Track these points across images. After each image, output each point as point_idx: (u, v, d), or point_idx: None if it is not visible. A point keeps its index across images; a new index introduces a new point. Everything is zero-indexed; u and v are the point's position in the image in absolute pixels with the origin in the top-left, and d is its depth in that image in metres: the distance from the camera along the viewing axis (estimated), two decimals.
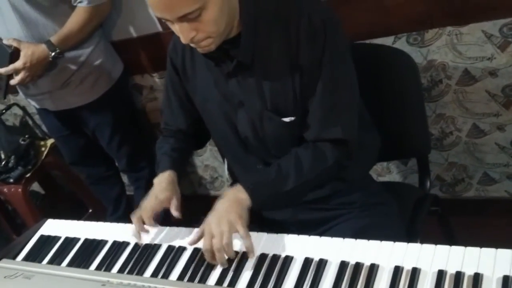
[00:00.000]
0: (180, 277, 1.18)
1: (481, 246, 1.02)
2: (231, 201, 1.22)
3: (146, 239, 1.32)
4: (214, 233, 1.16)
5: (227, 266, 1.16)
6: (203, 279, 1.16)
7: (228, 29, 1.19)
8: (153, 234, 1.33)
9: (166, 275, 1.20)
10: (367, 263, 1.07)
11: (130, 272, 1.25)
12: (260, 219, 1.39)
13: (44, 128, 2.55)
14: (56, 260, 1.37)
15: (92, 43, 2.01)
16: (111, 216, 2.53)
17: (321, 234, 1.20)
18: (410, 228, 1.41)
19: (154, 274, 1.22)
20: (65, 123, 2.20)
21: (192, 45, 1.18)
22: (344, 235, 1.16)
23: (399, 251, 1.07)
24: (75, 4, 1.89)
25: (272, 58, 1.23)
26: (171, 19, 1.11)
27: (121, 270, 1.26)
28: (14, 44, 1.83)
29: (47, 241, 1.44)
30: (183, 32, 1.13)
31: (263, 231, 1.23)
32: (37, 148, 2.51)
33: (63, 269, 1.31)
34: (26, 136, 2.47)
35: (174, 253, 1.25)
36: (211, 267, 1.18)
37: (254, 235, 1.20)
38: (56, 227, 1.49)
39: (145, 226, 1.31)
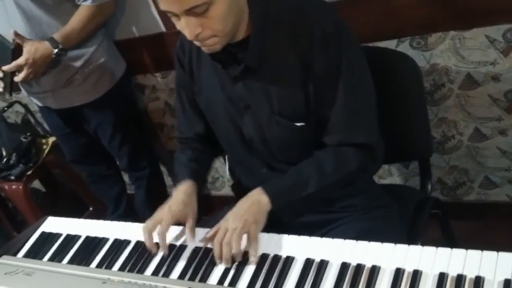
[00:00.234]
0: (181, 276, 1.18)
1: (482, 250, 1.02)
2: (252, 202, 1.23)
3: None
4: (228, 229, 1.18)
5: (230, 265, 1.16)
6: (204, 278, 1.16)
7: (234, 31, 1.18)
8: (155, 233, 1.33)
9: (167, 274, 1.20)
10: (368, 264, 1.07)
11: (131, 270, 1.25)
12: None
13: (45, 126, 2.56)
14: (57, 257, 1.37)
15: (96, 42, 2.01)
16: (111, 215, 2.53)
17: (322, 236, 1.19)
18: (411, 231, 1.41)
19: (155, 273, 1.22)
20: (66, 121, 2.20)
21: (197, 43, 1.16)
22: (345, 238, 1.16)
23: (400, 253, 1.07)
24: (79, 3, 1.90)
25: (281, 64, 1.22)
26: (177, 12, 1.09)
27: (122, 268, 1.26)
28: (17, 39, 1.83)
29: (48, 238, 1.44)
30: (189, 27, 1.11)
31: (264, 231, 1.23)
32: (39, 146, 2.52)
33: (64, 266, 1.31)
34: (28, 133, 2.48)
35: (175, 251, 1.25)
36: (212, 266, 1.18)
37: None
38: (57, 225, 1.49)
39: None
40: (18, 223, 2.89)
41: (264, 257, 1.17)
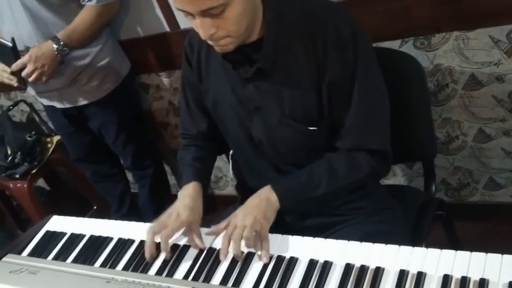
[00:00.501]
0: (185, 276, 1.19)
1: (486, 251, 1.02)
2: (262, 200, 1.23)
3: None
4: (238, 225, 1.18)
5: (239, 259, 1.17)
6: (208, 279, 1.16)
7: (249, 32, 1.18)
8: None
9: (171, 274, 1.20)
10: (372, 266, 1.07)
11: (135, 269, 1.25)
12: None
13: (50, 124, 2.57)
14: (61, 256, 1.37)
15: (100, 42, 2.02)
16: (115, 214, 2.54)
17: (326, 238, 1.19)
18: (415, 232, 1.41)
19: (159, 272, 1.22)
20: (71, 120, 2.21)
21: (210, 42, 1.16)
22: (349, 240, 1.15)
23: (405, 255, 1.07)
24: (84, 3, 1.90)
25: (294, 66, 1.21)
26: (193, 12, 1.09)
27: (126, 268, 1.26)
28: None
29: (52, 237, 1.45)
30: (203, 28, 1.10)
31: (268, 232, 1.23)
32: (43, 145, 2.52)
33: (68, 265, 1.32)
34: (33, 132, 2.48)
35: (179, 251, 1.26)
36: (216, 267, 1.18)
37: None
38: (61, 224, 1.50)
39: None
40: (23, 222, 2.90)
41: None
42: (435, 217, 1.52)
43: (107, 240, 1.37)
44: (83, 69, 1.99)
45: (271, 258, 1.16)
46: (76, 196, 2.89)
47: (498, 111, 1.77)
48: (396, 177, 2.12)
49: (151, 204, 2.44)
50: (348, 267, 1.08)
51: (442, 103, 1.83)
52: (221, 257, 1.19)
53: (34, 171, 2.46)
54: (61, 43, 1.88)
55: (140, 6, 2.06)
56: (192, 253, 1.24)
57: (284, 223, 1.33)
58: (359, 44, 1.18)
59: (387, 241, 1.12)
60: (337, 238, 1.17)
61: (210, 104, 1.39)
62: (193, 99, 1.44)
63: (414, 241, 1.36)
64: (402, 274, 1.03)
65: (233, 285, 1.13)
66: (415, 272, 1.03)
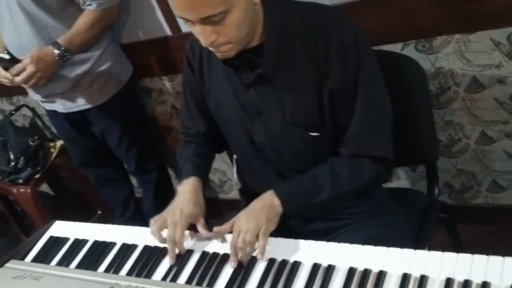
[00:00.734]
0: (189, 281, 1.19)
1: (488, 254, 1.02)
2: (265, 204, 1.24)
3: (154, 242, 1.32)
4: (241, 229, 1.18)
5: (244, 265, 1.17)
6: (212, 283, 1.16)
7: (250, 37, 1.18)
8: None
9: (174, 279, 1.21)
10: (375, 269, 1.07)
11: (139, 275, 1.25)
12: None
13: (53, 129, 2.57)
14: (65, 261, 1.37)
15: (102, 46, 2.02)
16: (119, 218, 2.54)
17: (328, 242, 1.19)
18: (418, 235, 1.41)
19: (163, 277, 1.22)
20: (74, 124, 2.21)
21: (211, 49, 1.16)
22: (352, 244, 1.16)
23: (407, 258, 1.07)
24: (83, 8, 1.91)
25: (296, 72, 1.21)
26: (193, 19, 1.09)
27: (129, 273, 1.27)
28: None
29: (56, 243, 1.45)
30: (204, 35, 1.11)
31: (271, 236, 1.23)
32: (46, 149, 2.53)
33: (72, 271, 1.32)
34: (36, 137, 2.48)
35: (182, 256, 1.26)
36: (219, 271, 1.18)
37: None
38: (65, 229, 1.50)
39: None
40: (26, 227, 2.90)
41: (271, 261, 1.17)
42: (438, 220, 1.52)
43: (111, 245, 1.37)
44: (85, 73, 2.00)
45: (274, 261, 1.16)
46: (80, 200, 2.89)
47: (500, 113, 1.77)
48: (400, 180, 2.12)
49: (155, 208, 2.43)
50: (351, 271, 1.08)
51: (444, 106, 1.83)
52: (232, 264, 1.19)
53: (37, 176, 2.46)
54: (62, 48, 1.89)
55: (141, 10, 2.07)
56: (195, 257, 1.25)
57: (288, 227, 1.33)
58: (362, 53, 1.18)
59: (390, 245, 1.12)
60: (340, 242, 1.17)
61: (212, 107, 1.40)
62: (194, 101, 1.45)
63: (417, 244, 1.36)
64: (405, 278, 1.03)
65: None
66: (418, 275, 1.03)
